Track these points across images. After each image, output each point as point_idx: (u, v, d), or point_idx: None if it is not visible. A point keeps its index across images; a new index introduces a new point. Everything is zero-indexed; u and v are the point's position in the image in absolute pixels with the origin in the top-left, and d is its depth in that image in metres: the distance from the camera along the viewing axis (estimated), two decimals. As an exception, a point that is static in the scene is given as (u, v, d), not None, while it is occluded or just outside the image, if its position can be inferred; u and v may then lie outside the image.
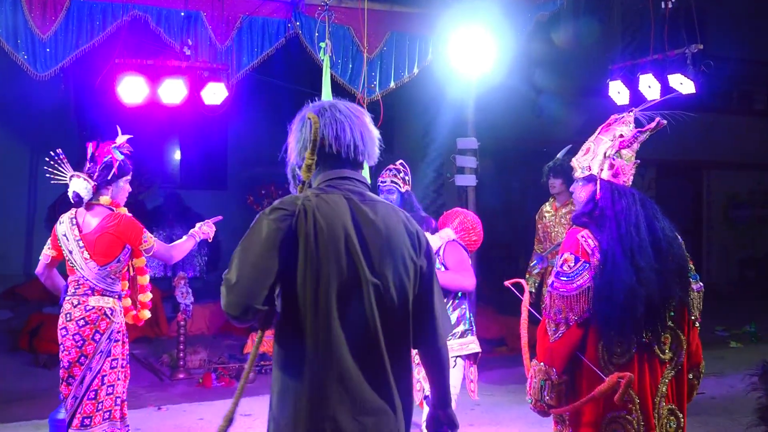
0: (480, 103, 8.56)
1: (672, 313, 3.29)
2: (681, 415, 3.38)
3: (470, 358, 4.73)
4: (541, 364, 3.25)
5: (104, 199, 4.73)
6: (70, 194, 4.70)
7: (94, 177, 4.69)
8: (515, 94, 11.03)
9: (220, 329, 10.44)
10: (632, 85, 7.52)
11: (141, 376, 8.11)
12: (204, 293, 11.21)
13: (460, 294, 4.71)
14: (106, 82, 7.11)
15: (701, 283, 3.45)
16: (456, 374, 4.57)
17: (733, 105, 15.90)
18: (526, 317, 3.62)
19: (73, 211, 4.77)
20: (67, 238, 4.69)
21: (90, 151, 4.74)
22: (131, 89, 6.80)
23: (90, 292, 4.64)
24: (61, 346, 4.62)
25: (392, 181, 6.20)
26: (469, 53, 7.31)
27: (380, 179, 6.29)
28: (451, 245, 4.75)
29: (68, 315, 4.61)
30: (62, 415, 5.43)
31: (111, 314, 4.63)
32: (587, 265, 3.20)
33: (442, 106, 10.48)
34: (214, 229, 5.15)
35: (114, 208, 4.75)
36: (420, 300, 2.54)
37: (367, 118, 2.64)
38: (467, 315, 4.74)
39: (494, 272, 11.25)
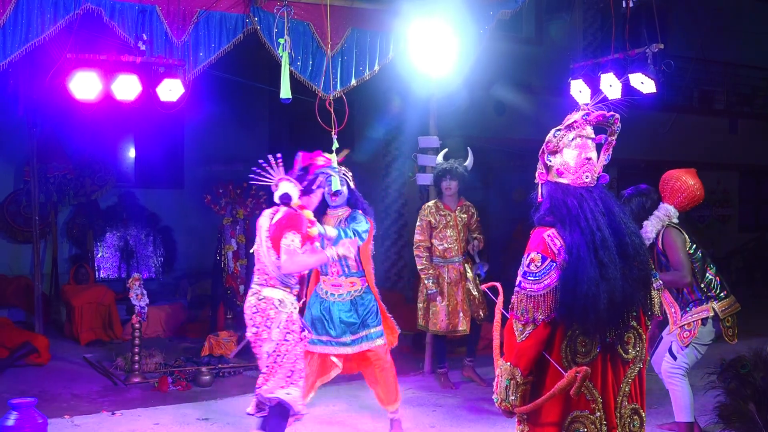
0: (442, 101, 8.48)
1: (634, 313, 3.31)
2: (643, 414, 3.41)
3: None
4: (507, 363, 3.25)
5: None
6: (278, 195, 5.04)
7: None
8: (477, 92, 10.99)
9: (176, 332, 10.24)
10: (594, 84, 7.53)
11: (94, 380, 7.91)
12: (159, 295, 10.96)
13: None
14: (57, 77, 6.90)
15: (661, 281, 3.48)
16: None
17: (693, 105, 16.06)
18: (499, 319, 3.56)
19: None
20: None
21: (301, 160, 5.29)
22: (84, 85, 6.60)
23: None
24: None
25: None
26: (430, 51, 7.23)
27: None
28: None
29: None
30: (11, 421, 5.28)
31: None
32: (554, 264, 3.20)
33: (405, 104, 10.40)
34: None
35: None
36: None
37: None
38: None
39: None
